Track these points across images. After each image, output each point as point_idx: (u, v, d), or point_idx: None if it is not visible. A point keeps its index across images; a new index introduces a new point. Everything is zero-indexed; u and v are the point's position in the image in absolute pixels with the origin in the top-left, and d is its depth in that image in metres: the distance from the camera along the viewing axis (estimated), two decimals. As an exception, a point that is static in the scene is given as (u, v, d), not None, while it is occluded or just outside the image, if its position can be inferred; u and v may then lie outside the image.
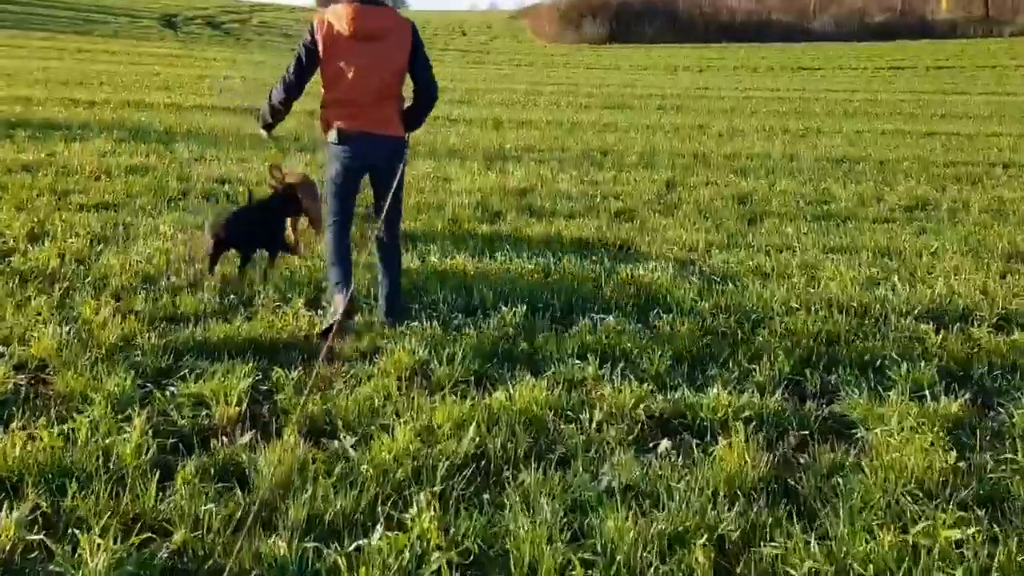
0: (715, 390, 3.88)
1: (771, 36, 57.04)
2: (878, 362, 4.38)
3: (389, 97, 4.62)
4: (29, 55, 27.05)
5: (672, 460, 3.32)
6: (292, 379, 3.89)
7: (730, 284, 5.69)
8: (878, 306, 5.28)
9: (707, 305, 5.20)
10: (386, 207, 4.48)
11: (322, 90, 4.65)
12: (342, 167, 4.62)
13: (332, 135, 4.59)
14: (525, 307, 4.93)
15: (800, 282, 5.82)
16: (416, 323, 4.68)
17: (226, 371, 3.88)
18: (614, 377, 4.02)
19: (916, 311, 5.19)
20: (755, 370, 4.23)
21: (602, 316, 4.92)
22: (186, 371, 3.90)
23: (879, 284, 5.82)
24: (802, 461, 3.40)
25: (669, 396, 3.89)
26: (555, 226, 7.24)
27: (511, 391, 3.80)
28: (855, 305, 5.28)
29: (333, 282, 4.60)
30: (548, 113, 18.55)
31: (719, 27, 60.17)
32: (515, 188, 9.02)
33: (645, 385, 3.93)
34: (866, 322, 5.03)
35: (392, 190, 4.52)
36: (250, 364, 3.98)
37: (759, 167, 11.54)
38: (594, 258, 6.27)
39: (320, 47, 4.51)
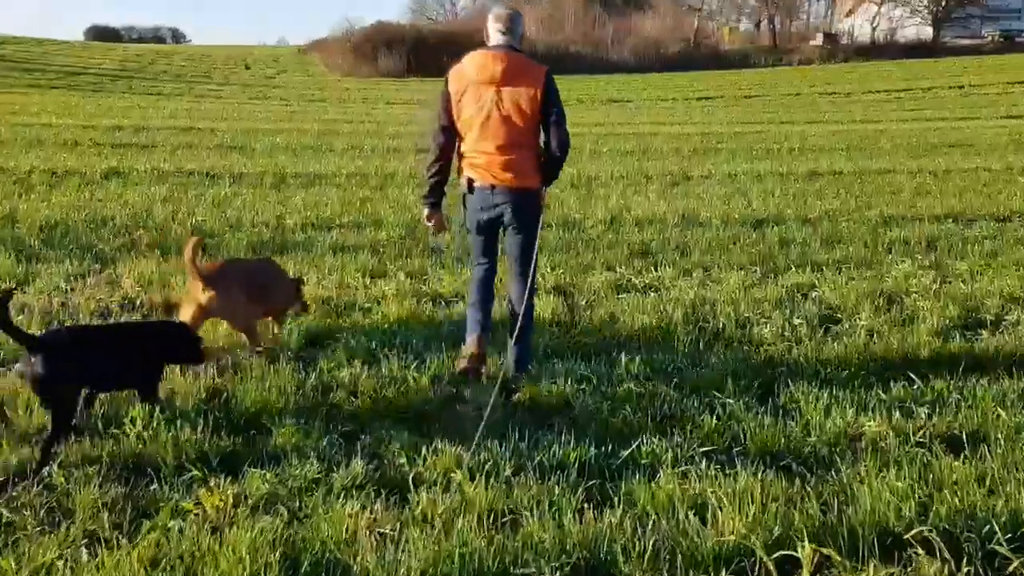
0: None
1: (571, 68, 55.86)
2: None
3: (518, 146, 4.36)
4: None
5: None
6: None
7: None
8: None
9: None
10: (514, 266, 4.47)
11: (458, 140, 4.51)
12: (472, 218, 4.51)
13: (463, 184, 4.50)
14: None
15: None
16: None
17: None
18: None
19: None
20: None
21: None
22: None
23: None
24: None
25: None
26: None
27: None
28: None
29: (469, 323, 4.50)
30: (348, 161, 14.31)
31: (519, 59, 58.49)
32: (301, 332, 4.78)
33: None
34: None
35: (521, 247, 4.44)
36: None
37: (662, 240, 8.02)
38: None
39: (453, 95, 4.39)
